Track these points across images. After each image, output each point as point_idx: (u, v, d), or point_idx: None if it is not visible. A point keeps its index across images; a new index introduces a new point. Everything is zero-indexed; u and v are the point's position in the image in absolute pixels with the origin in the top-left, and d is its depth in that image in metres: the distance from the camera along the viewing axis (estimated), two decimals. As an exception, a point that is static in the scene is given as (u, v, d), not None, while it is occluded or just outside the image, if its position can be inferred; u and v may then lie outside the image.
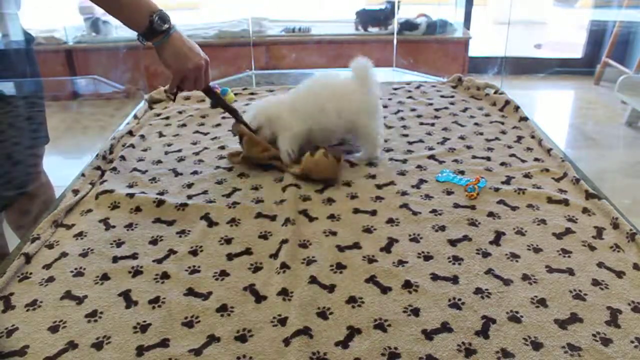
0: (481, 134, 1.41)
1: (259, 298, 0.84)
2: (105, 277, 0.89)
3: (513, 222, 1.02)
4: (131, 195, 1.11)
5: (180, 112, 1.60)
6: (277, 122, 1.20)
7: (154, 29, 1.05)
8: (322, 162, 1.14)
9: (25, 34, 1.37)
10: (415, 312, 0.80)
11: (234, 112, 1.24)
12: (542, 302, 0.82)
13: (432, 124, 1.48)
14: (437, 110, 1.58)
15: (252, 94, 1.77)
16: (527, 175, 1.19)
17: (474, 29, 3.83)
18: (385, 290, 0.85)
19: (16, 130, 1.30)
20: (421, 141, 1.38)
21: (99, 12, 3.61)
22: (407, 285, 0.86)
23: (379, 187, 1.16)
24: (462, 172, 1.21)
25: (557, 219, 1.03)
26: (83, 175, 1.21)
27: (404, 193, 1.13)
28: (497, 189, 1.13)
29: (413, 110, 1.59)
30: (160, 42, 1.07)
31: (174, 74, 1.12)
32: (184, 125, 1.51)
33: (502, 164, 1.25)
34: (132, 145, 1.35)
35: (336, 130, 1.24)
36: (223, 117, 1.54)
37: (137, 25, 1.05)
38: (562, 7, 4.94)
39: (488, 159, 1.27)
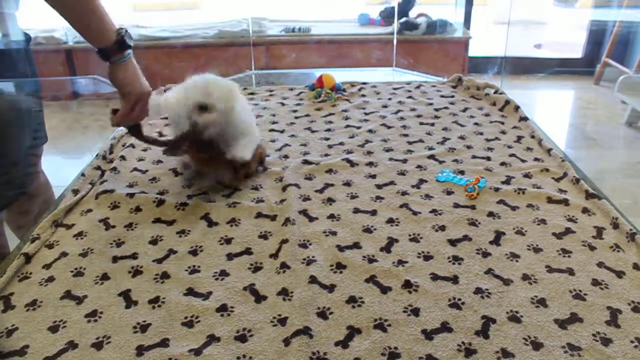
0: (481, 134, 1.41)
1: (259, 298, 0.84)
2: (105, 277, 0.89)
3: (513, 222, 1.02)
4: (131, 195, 1.11)
5: (180, 112, 1.60)
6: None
7: (122, 44, 1.02)
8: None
9: (22, 34, 1.37)
10: (415, 312, 0.80)
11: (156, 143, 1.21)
12: (542, 302, 0.82)
13: (432, 124, 1.48)
14: (437, 110, 1.58)
15: (252, 94, 1.77)
16: (527, 175, 1.19)
17: (474, 29, 3.83)
18: (385, 290, 0.85)
19: (15, 130, 1.30)
20: (421, 141, 1.38)
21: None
22: (407, 285, 0.86)
23: (379, 187, 1.16)
24: (462, 172, 1.21)
25: (557, 219, 1.03)
26: (83, 175, 1.21)
27: (404, 193, 1.13)
28: (497, 189, 1.13)
29: (413, 110, 1.59)
30: (123, 59, 1.04)
31: (130, 94, 1.06)
32: (184, 125, 1.51)
33: (502, 164, 1.25)
34: (132, 145, 1.35)
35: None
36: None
37: (103, 40, 1.02)
38: (562, 7, 4.94)
39: (488, 159, 1.27)
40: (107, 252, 0.95)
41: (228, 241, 0.98)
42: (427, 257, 0.93)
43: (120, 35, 1.02)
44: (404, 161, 1.27)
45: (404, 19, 3.59)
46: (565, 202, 1.08)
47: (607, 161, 2.95)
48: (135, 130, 1.17)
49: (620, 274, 0.88)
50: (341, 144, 1.36)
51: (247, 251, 0.95)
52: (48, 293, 0.86)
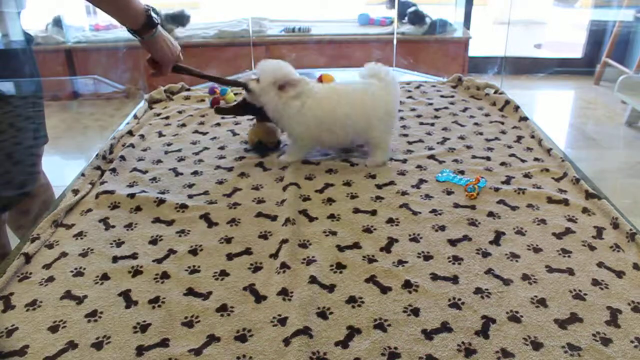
0: (481, 133, 1.41)
1: (259, 298, 0.84)
2: (105, 277, 0.89)
3: (513, 222, 1.02)
4: (132, 196, 1.11)
5: (180, 112, 1.60)
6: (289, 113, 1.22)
7: (151, 23, 1.14)
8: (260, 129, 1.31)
9: (24, 34, 1.36)
10: (415, 312, 0.80)
11: (215, 79, 1.36)
12: (542, 302, 0.82)
13: (432, 124, 1.48)
14: (437, 110, 1.58)
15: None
16: (527, 175, 1.19)
17: (474, 29, 3.83)
18: (385, 290, 0.85)
19: (16, 130, 1.30)
20: (421, 141, 1.38)
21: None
22: (407, 285, 0.86)
23: (379, 187, 1.16)
24: (462, 172, 1.21)
25: (557, 219, 1.03)
26: (83, 175, 1.21)
27: (404, 193, 1.13)
28: (497, 189, 1.13)
29: (413, 110, 1.59)
30: (153, 35, 1.16)
31: (169, 62, 1.23)
32: (183, 125, 1.51)
33: (502, 164, 1.25)
34: (132, 145, 1.35)
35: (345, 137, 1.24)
36: (222, 117, 1.54)
37: (135, 21, 1.13)
38: (562, 7, 4.94)
39: (488, 159, 1.27)
40: (107, 252, 0.95)
41: (228, 241, 0.98)
42: (427, 257, 0.93)
43: (148, 16, 1.14)
44: (404, 161, 1.27)
45: (413, 9, 3.57)
46: (565, 202, 1.08)
47: (607, 161, 2.94)
48: (179, 69, 1.28)
49: (620, 274, 0.88)
50: (341, 144, 1.36)
51: (247, 251, 0.95)
52: (48, 293, 0.86)
